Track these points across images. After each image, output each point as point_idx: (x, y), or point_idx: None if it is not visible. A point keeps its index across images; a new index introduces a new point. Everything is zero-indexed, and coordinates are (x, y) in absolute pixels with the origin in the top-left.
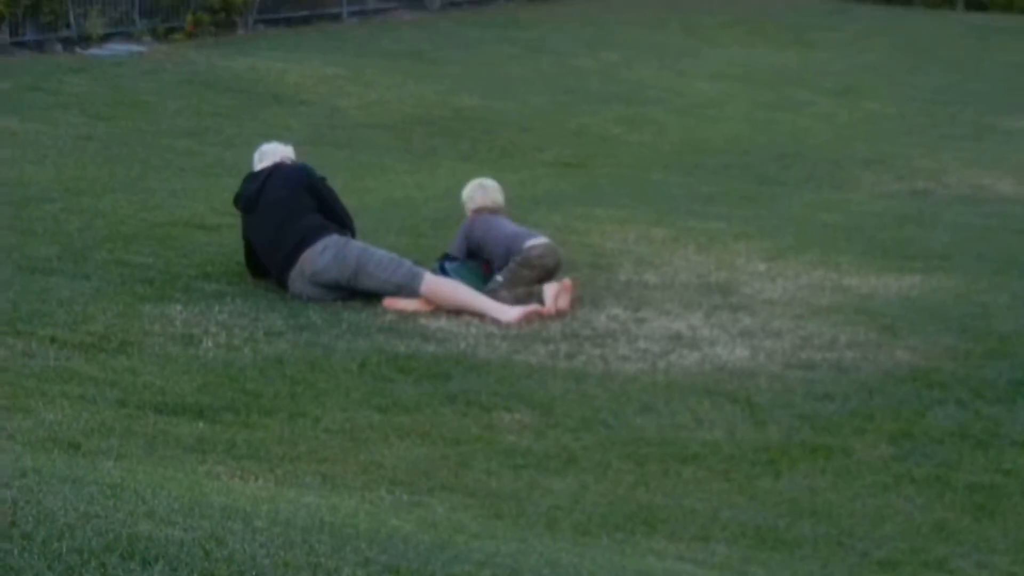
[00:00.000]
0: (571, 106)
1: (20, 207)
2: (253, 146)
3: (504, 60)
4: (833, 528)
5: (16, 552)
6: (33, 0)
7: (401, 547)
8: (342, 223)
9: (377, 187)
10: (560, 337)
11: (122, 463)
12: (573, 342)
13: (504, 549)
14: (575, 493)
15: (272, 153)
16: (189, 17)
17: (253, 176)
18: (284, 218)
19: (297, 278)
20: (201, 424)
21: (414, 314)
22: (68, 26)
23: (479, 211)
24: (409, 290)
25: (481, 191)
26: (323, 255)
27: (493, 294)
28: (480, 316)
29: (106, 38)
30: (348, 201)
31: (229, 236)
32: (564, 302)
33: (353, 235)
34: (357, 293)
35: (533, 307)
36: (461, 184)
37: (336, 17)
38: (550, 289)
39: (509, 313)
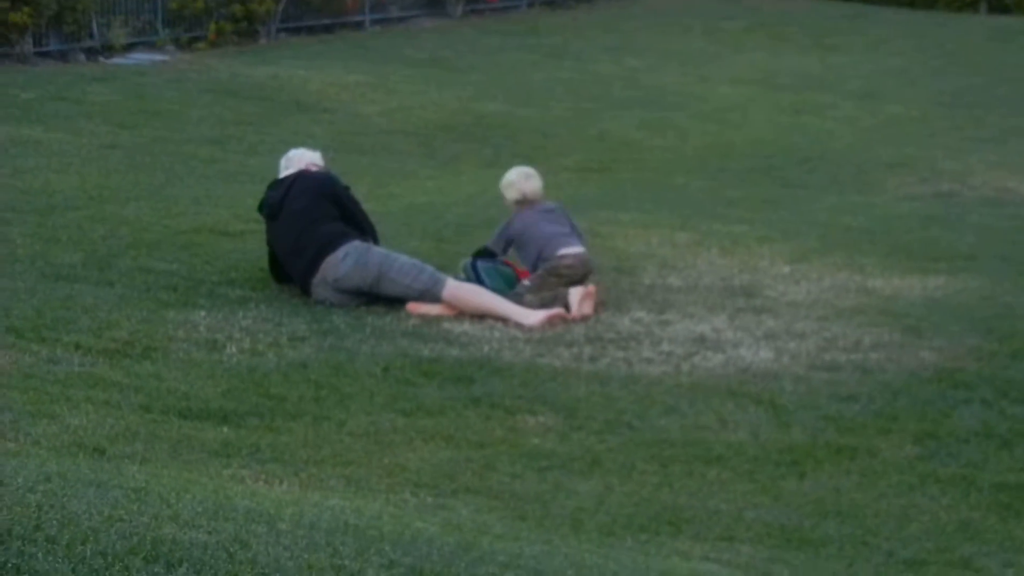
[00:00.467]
0: (593, 112)
1: (45, 215)
2: (276, 153)
3: (526, 66)
4: (858, 528)
5: (41, 556)
6: (56, 10)
7: (425, 549)
8: (364, 231)
9: (400, 193)
10: (584, 340)
11: (147, 467)
12: (597, 345)
13: (529, 551)
14: (600, 495)
15: (298, 159)
16: (212, 26)
17: (277, 183)
18: (306, 226)
19: (320, 284)
20: (225, 428)
21: (437, 318)
22: (91, 36)
23: (521, 203)
24: (431, 295)
25: (523, 179)
26: (344, 261)
27: (518, 298)
28: (503, 320)
29: (129, 47)
30: (371, 207)
31: (252, 242)
32: (588, 308)
33: (376, 243)
34: (380, 298)
35: (556, 311)
36: (484, 190)
37: (358, 25)
38: (575, 294)
39: (532, 317)
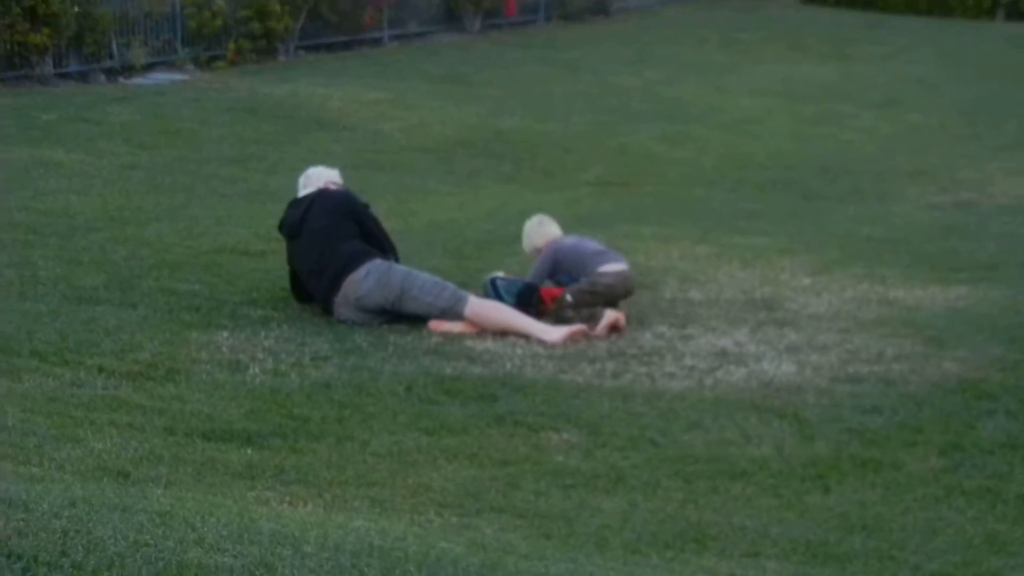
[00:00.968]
0: (612, 125)
1: (66, 237)
2: (296, 172)
3: (544, 81)
4: (884, 542)
5: None
6: (76, 31)
7: (451, 570)
8: (384, 249)
9: (420, 210)
10: (606, 356)
11: (171, 491)
12: (619, 360)
13: (554, 569)
14: (624, 512)
15: (317, 177)
16: (231, 45)
17: (297, 202)
18: (327, 244)
19: (342, 303)
20: (249, 450)
21: (459, 336)
22: (111, 56)
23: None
24: (453, 313)
25: (539, 227)
26: (366, 280)
27: (562, 304)
28: (525, 337)
29: (149, 67)
30: (392, 224)
31: (274, 262)
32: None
33: (396, 261)
34: (402, 317)
35: (578, 327)
36: (504, 205)
37: (377, 41)
38: (608, 317)
39: (554, 333)
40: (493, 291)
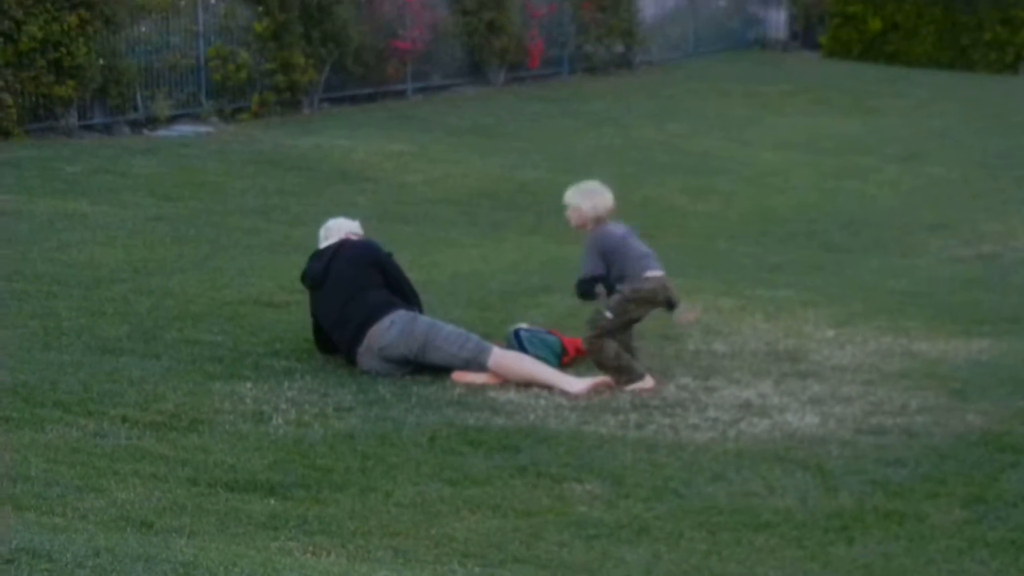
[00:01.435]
0: (636, 177)
1: (90, 288)
2: (320, 224)
3: (568, 133)
4: None
5: None
6: (101, 83)
7: None
8: (408, 299)
9: (444, 261)
10: (630, 407)
11: (194, 541)
12: (643, 412)
13: None
14: (648, 563)
15: (337, 229)
16: (255, 97)
17: (319, 253)
18: (351, 295)
19: (365, 354)
20: (272, 501)
21: (483, 387)
22: (135, 108)
23: (597, 221)
24: (477, 364)
25: (601, 195)
26: (390, 330)
27: (601, 320)
28: (549, 388)
29: (173, 119)
30: (415, 276)
31: (297, 313)
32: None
33: (420, 311)
34: (426, 367)
35: (601, 379)
36: (527, 257)
37: (401, 94)
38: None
39: (577, 384)
40: (516, 342)
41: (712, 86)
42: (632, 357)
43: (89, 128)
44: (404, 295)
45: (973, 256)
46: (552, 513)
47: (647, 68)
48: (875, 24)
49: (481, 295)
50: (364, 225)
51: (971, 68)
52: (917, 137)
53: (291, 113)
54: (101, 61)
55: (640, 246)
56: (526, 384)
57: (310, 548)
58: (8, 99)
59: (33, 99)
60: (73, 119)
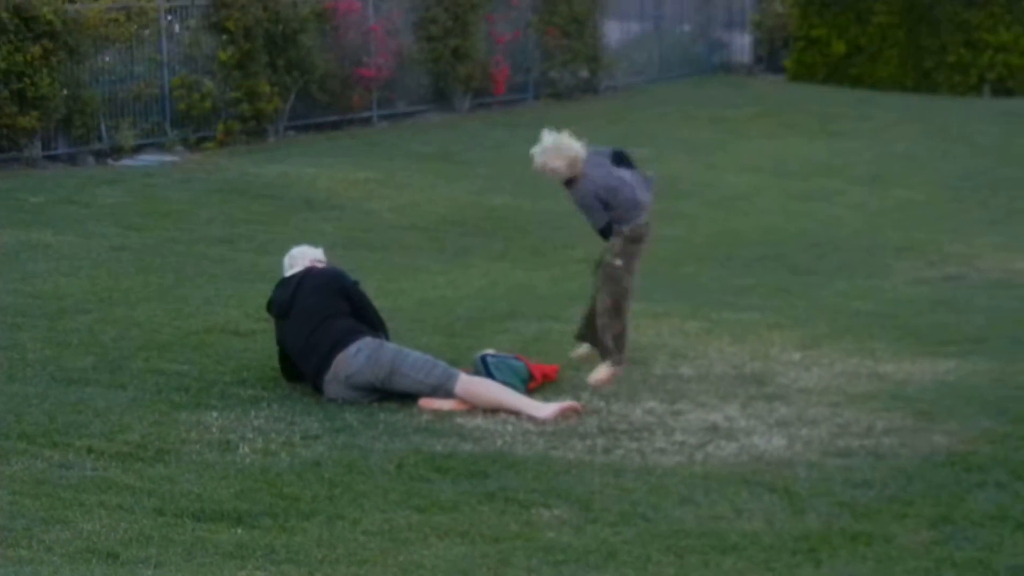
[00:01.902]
0: None
1: (55, 319)
2: (286, 252)
3: None
4: None
5: None
6: (64, 114)
7: None
8: (374, 326)
9: (411, 288)
10: (597, 432)
11: (161, 572)
12: (610, 436)
13: None
14: None
15: (302, 257)
16: (220, 126)
17: (285, 282)
18: (317, 323)
19: (332, 381)
20: (239, 530)
21: (450, 413)
22: (100, 139)
23: (577, 172)
24: (444, 391)
25: (573, 142)
26: (357, 357)
27: (614, 271)
28: (516, 413)
29: (138, 149)
30: (382, 303)
31: (263, 341)
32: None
33: (387, 338)
34: (393, 394)
35: (569, 404)
36: (494, 283)
37: (366, 121)
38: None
39: (544, 410)
40: (483, 368)
41: (677, 110)
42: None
43: (53, 158)
44: (370, 323)
45: (939, 277)
46: (520, 539)
47: (612, 93)
48: (839, 47)
49: (448, 321)
50: (330, 252)
51: (935, 91)
52: (882, 159)
53: (256, 141)
54: (65, 91)
55: (627, 182)
56: (493, 410)
57: None
58: None
59: None
60: (37, 150)
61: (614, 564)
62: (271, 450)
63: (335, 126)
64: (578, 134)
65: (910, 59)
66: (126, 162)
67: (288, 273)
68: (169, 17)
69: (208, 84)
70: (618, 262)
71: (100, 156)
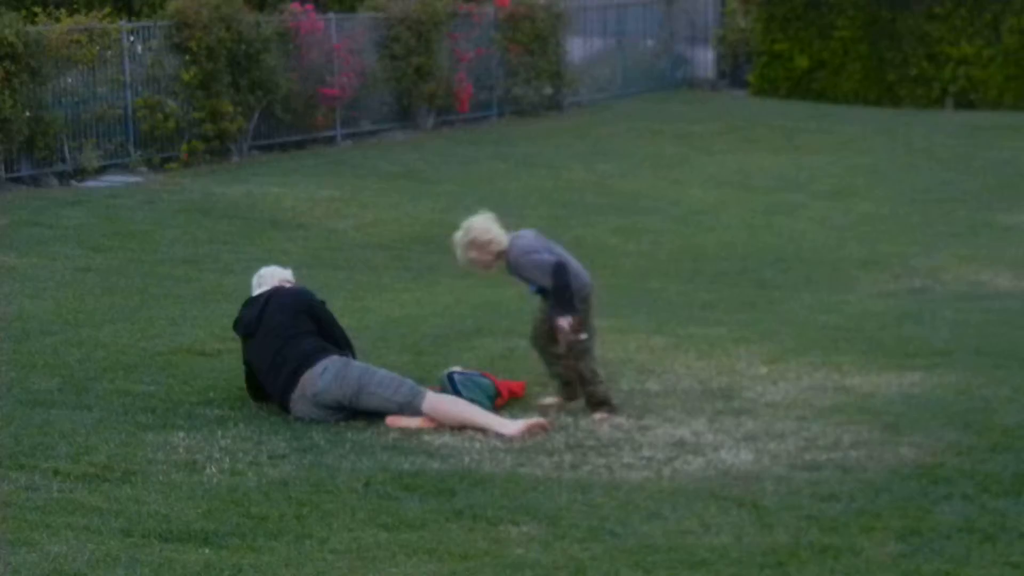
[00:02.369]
0: (567, 219)
1: (19, 341)
2: (251, 271)
3: (498, 175)
4: None
5: None
6: (27, 136)
7: None
8: (341, 346)
9: (376, 306)
10: (564, 448)
11: None
12: (577, 452)
13: None
14: None
15: (270, 276)
16: (184, 146)
17: (252, 301)
18: (283, 342)
19: (299, 400)
20: (207, 550)
21: (417, 431)
22: (63, 160)
23: (503, 249)
24: (411, 408)
25: (487, 236)
26: (323, 376)
27: (581, 349)
28: (483, 431)
29: (101, 170)
30: (348, 321)
31: (230, 361)
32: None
33: (353, 357)
34: (360, 413)
35: (536, 420)
36: (460, 301)
37: (330, 140)
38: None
39: (512, 427)
40: (450, 386)
41: (641, 126)
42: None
43: (16, 180)
44: (336, 342)
45: (904, 291)
46: (488, 556)
47: (576, 109)
48: (802, 62)
49: (414, 340)
50: (295, 272)
51: (898, 104)
52: (846, 173)
53: (220, 161)
54: (27, 113)
55: (561, 253)
56: (460, 427)
57: None
58: None
59: None
60: (0, 172)
61: None
62: (238, 470)
63: (299, 145)
64: (543, 150)
65: (873, 73)
66: (90, 183)
67: (256, 292)
68: (131, 38)
69: (171, 104)
70: (583, 336)
71: (63, 178)
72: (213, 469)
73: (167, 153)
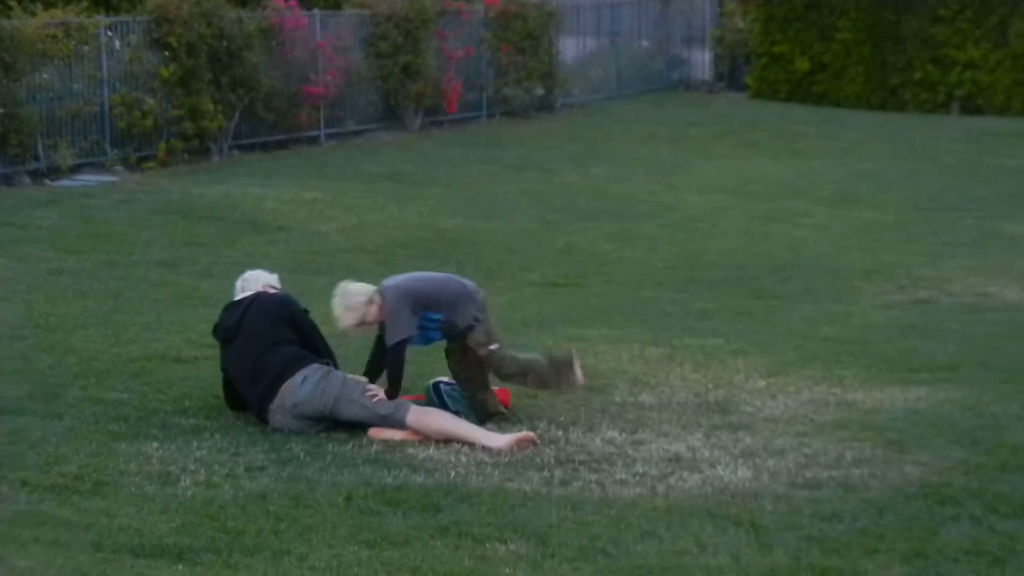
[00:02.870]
0: (559, 224)
1: None
2: (230, 275)
3: (488, 179)
4: None
5: None
6: (0, 133)
7: None
8: (322, 356)
9: None
10: (554, 463)
11: None
12: (568, 468)
13: None
14: None
15: (255, 280)
16: (162, 145)
17: (233, 305)
18: (264, 349)
19: (278, 410)
20: (181, 566)
21: (401, 444)
22: (37, 158)
23: (381, 304)
24: (395, 420)
25: (364, 298)
26: (304, 386)
27: (495, 356)
28: (470, 444)
29: (76, 169)
30: (330, 329)
31: (206, 369)
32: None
33: (335, 366)
34: (341, 424)
35: (525, 434)
36: None
37: (314, 140)
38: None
39: (500, 440)
40: (436, 396)
41: (636, 129)
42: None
43: None
44: (318, 351)
45: (908, 301)
46: (474, 575)
47: (569, 111)
48: (802, 64)
49: None
50: (279, 279)
51: (902, 108)
52: (848, 179)
53: (200, 161)
54: (1, 109)
55: (436, 279)
56: (446, 440)
57: None
58: None
59: None
60: None
61: None
62: (214, 482)
63: (281, 145)
64: (535, 153)
65: (876, 76)
66: (64, 182)
67: (238, 296)
68: (109, 33)
69: (149, 102)
70: (493, 347)
71: (37, 176)
72: (188, 481)
73: (144, 152)
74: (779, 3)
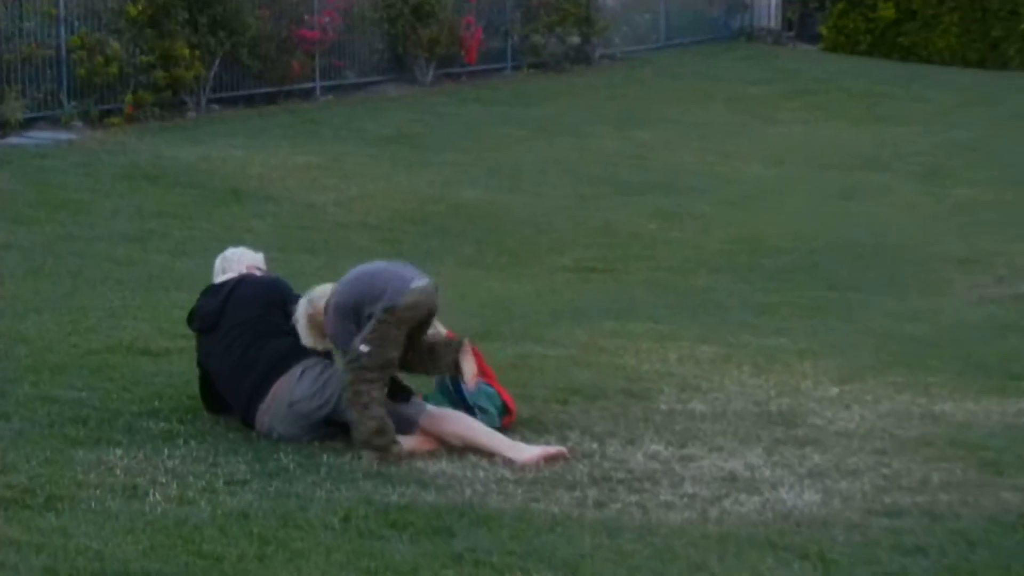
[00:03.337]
0: (595, 199)
1: None
2: (208, 253)
3: (512, 144)
4: None
5: None
6: None
7: None
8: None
9: None
10: (588, 481)
11: None
12: (604, 487)
13: None
14: None
15: (238, 260)
16: (128, 97)
17: (214, 289)
18: (252, 341)
19: (267, 412)
20: None
21: (410, 456)
22: None
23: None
24: (406, 420)
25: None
26: (301, 381)
27: (356, 365)
28: (490, 455)
29: (28, 124)
30: None
31: (180, 363)
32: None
33: (332, 361)
34: (339, 430)
35: (555, 448)
36: (464, 296)
37: (308, 94)
38: (467, 367)
39: (525, 453)
40: (453, 389)
41: (688, 86)
42: None
43: None
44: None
45: (1009, 296)
46: None
47: (608, 64)
48: (887, 12)
49: None
50: (265, 258)
51: (1004, 66)
52: (939, 150)
53: (173, 117)
54: None
55: (382, 264)
56: (462, 450)
57: None
58: None
59: None
60: None
61: None
62: (188, 498)
63: (269, 99)
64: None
65: (974, 27)
66: (12, 140)
67: (219, 279)
68: None
69: (114, 45)
70: (363, 348)
71: None
72: (157, 496)
73: (108, 105)
74: None
